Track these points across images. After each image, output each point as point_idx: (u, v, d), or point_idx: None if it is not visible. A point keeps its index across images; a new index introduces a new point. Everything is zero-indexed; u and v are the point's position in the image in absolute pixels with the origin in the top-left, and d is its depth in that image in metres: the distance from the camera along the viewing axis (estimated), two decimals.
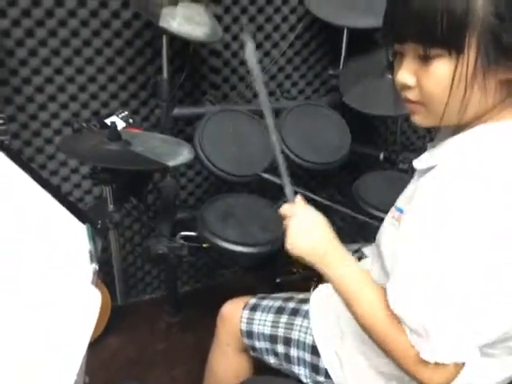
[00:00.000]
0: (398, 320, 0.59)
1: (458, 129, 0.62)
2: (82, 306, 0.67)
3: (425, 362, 0.57)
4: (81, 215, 0.84)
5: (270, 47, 1.52)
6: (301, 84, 1.62)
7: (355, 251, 1.09)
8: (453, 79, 0.55)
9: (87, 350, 0.59)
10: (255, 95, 1.57)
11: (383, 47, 0.65)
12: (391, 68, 0.65)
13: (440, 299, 0.55)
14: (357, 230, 1.97)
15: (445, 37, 0.53)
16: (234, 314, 0.96)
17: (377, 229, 0.78)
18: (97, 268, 0.71)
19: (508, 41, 0.53)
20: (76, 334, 0.65)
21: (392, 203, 0.75)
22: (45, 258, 0.69)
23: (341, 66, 1.49)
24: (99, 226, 0.96)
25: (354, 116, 1.49)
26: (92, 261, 0.72)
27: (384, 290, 0.62)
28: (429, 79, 0.57)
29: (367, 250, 1.04)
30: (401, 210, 0.69)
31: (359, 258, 1.06)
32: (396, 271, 0.61)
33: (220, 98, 1.51)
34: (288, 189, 0.76)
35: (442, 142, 0.64)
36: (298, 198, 0.76)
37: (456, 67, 0.55)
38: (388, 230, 0.72)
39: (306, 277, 1.40)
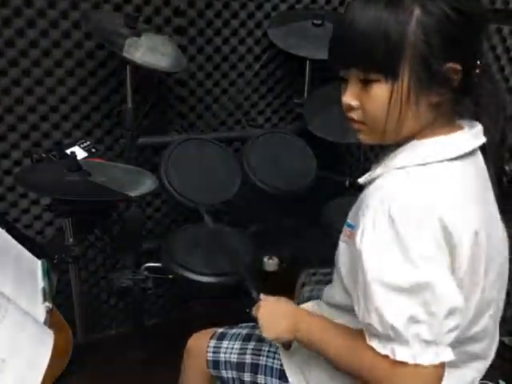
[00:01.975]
0: (363, 340, 0.62)
1: (397, 146, 0.67)
2: (33, 348, 0.63)
3: (402, 366, 0.57)
4: (36, 251, 0.81)
5: (235, 76, 1.54)
6: (267, 112, 1.65)
7: (326, 274, 1.10)
8: (389, 101, 0.60)
9: None
10: (221, 123, 1.58)
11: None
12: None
13: (403, 301, 0.57)
14: (326, 254, 1.98)
15: (381, 63, 0.59)
16: (201, 346, 0.94)
17: None
18: (50, 306, 0.68)
19: (437, 67, 0.59)
20: (27, 378, 0.61)
21: None
22: None
23: (305, 95, 1.52)
24: (56, 261, 0.92)
25: (320, 143, 1.51)
26: (45, 299, 0.69)
27: (344, 326, 0.69)
28: (369, 101, 0.63)
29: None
30: (351, 226, 0.71)
31: (329, 281, 1.06)
32: (356, 287, 0.63)
33: (186, 127, 1.51)
34: (254, 294, 0.88)
35: (383, 159, 0.69)
36: (262, 296, 0.84)
37: (392, 91, 0.60)
38: (342, 248, 0.74)
39: None
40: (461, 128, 0.66)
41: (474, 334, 0.66)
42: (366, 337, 0.61)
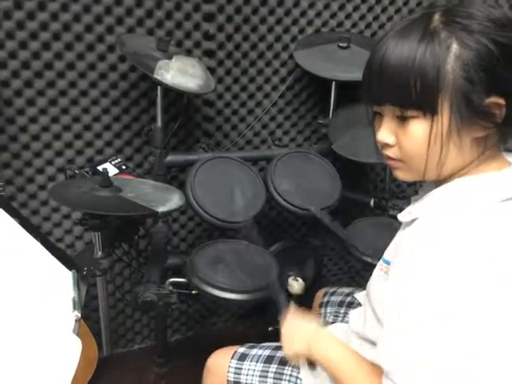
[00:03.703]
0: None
1: (439, 183, 0.64)
2: (61, 355, 0.65)
3: None
4: (67, 262, 0.84)
5: (261, 97, 1.57)
6: (292, 132, 1.67)
7: (347, 294, 1.09)
8: (429, 138, 0.58)
9: None
10: (247, 142, 1.61)
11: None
12: (373, 125, 0.68)
13: (425, 352, 0.54)
14: (349, 274, 1.96)
15: (418, 100, 0.57)
16: (221, 365, 0.93)
17: (368, 273, 0.79)
18: (79, 316, 0.70)
19: (479, 102, 0.56)
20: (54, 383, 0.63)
21: (382, 249, 0.76)
22: (28, 304, 0.69)
23: (330, 116, 1.53)
24: (85, 273, 0.95)
25: (345, 163, 1.52)
26: (75, 308, 0.71)
27: (365, 360, 0.67)
28: (406, 138, 0.60)
29: (359, 296, 1.04)
30: (388, 263, 0.70)
31: (351, 303, 1.06)
32: (383, 329, 0.61)
33: (213, 146, 1.55)
34: (282, 300, 0.91)
35: (424, 194, 0.66)
36: (292, 306, 0.86)
37: (431, 127, 0.57)
38: (376, 282, 0.73)
39: None
40: (509, 163, 0.62)
41: None
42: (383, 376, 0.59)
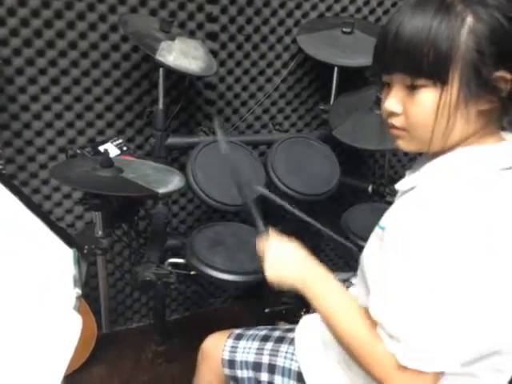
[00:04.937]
0: (375, 332, 0.61)
1: (437, 154, 0.65)
2: (61, 331, 0.67)
3: (402, 369, 0.57)
4: (68, 240, 0.85)
5: (263, 82, 1.57)
6: (293, 117, 1.67)
7: (345, 280, 1.10)
8: (437, 108, 0.59)
9: (70, 378, 0.59)
10: (248, 127, 1.62)
11: (372, 84, 0.69)
12: (379, 103, 0.68)
13: (419, 307, 0.56)
14: (344, 259, 1.99)
15: (430, 69, 0.58)
16: (216, 347, 0.95)
17: None
18: (80, 293, 0.71)
19: (488, 74, 0.57)
20: (54, 359, 0.65)
21: None
22: (29, 280, 0.70)
23: (331, 102, 1.53)
24: (86, 251, 0.97)
25: (344, 149, 1.53)
26: (75, 285, 0.73)
27: (362, 307, 0.65)
28: (414, 107, 0.61)
29: (355, 280, 1.05)
30: (383, 228, 0.71)
31: (347, 288, 1.07)
32: (378, 282, 0.63)
33: (214, 129, 1.55)
34: (260, 223, 0.84)
35: (421, 165, 0.67)
36: (270, 230, 0.82)
37: (440, 97, 0.59)
38: (371, 246, 0.73)
39: (295, 308, 1.40)
40: (503, 139, 0.64)
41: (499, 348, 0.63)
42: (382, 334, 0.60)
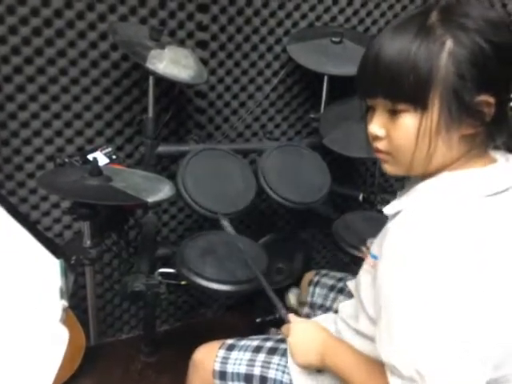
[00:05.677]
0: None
1: (425, 178, 0.65)
2: (47, 344, 0.65)
3: None
4: (55, 250, 0.84)
5: (254, 90, 1.57)
6: (283, 126, 1.67)
7: (339, 279, 1.11)
8: (418, 133, 0.59)
9: None
10: (239, 135, 1.61)
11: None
12: (365, 119, 0.69)
13: (424, 340, 0.55)
14: (336, 267, 1.98)
15: (410, 94, 0.58)
16: (208, 358, 0.93)
17: (355, 267, 0.80)
18: (66, 305, 0.70)
19: (469, 99, 0.56)
20: (40, 373, 0.63)
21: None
22: (14, 293, 0.68)
23: (321, 110, 1.54)
24: (73, 262, 0.95)
25: (335, 158, 1.53)
26: (62, 297, 0.71)
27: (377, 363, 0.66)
28: (396, 131, 0.61)
29: (350, 284, 1.05)
30: (375, 257, 0.71)
31: (341, 289, 1.06)
32: (378, 323, 0.62)
33: (204, 138, 1.54)
34: (282, 311, 0.88)
35: (411, 186, 0.67)
36: (291, 316, 0.86)
37: (421, 122, 0.58)
38: (365, 277, 0.74)
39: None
40: (494, 161, 0.63)
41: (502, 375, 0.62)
42: (388, 375, 0.60)
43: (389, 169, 0.67)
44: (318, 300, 1.09)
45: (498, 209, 0.59)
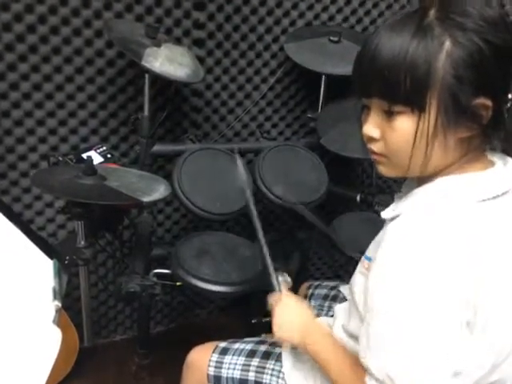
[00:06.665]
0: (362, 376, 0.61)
1: (421, 180, 0.64)
2: (40, 345, 0.64)
3: None
4: (48, 250, 0.82)
5: (251, 89, 1.56)
6: (280, 126, 1.66)
7: (332, 288, 1.10)
8: (415, 135, 0.57)
9: None
10: (235, 134, 1.60)
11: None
12: (360, 119, 0.67)
13: (402, 348, 0.55)
14: (333, 268, 1.98)
15: (407, 95, 0.56)
16: (202, 360, 0.92)
17: (352, 268, 0.80)
18: (59, 305, 0.69)
19: (466, 101, 0.55)
20: (32, 375, 0.62)
21: (367, 244, 0.76)
22: (6, 293, 0.67)
23: (319, 110, 1.53)
24: (67, 262, 0.93)
25: (332, 158, 1.52)
26: (55, 298, 0.70)
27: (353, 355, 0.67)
28: (392, 133, 0.60)
29: (344, 289, 1.05)
30: (369, 259, 0.70)
31: (335, 296, 1.06)
32: (364, 323, 0.62)
33: (200, 137, 1.53)
34: (275, 281, 0.86)
35: (407, 192, 0.66)
36: (285, 288, 0.85)
37: (418, 124, 0.57)
38: (359, 279, 0.74)
39: None
40: (492, 164, 0.62)
41: (496, 380, 0.62)
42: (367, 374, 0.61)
43: (384, 171, 0.65)
44: (314, 312, 1.09)
45: (496, 213, 0.58)
